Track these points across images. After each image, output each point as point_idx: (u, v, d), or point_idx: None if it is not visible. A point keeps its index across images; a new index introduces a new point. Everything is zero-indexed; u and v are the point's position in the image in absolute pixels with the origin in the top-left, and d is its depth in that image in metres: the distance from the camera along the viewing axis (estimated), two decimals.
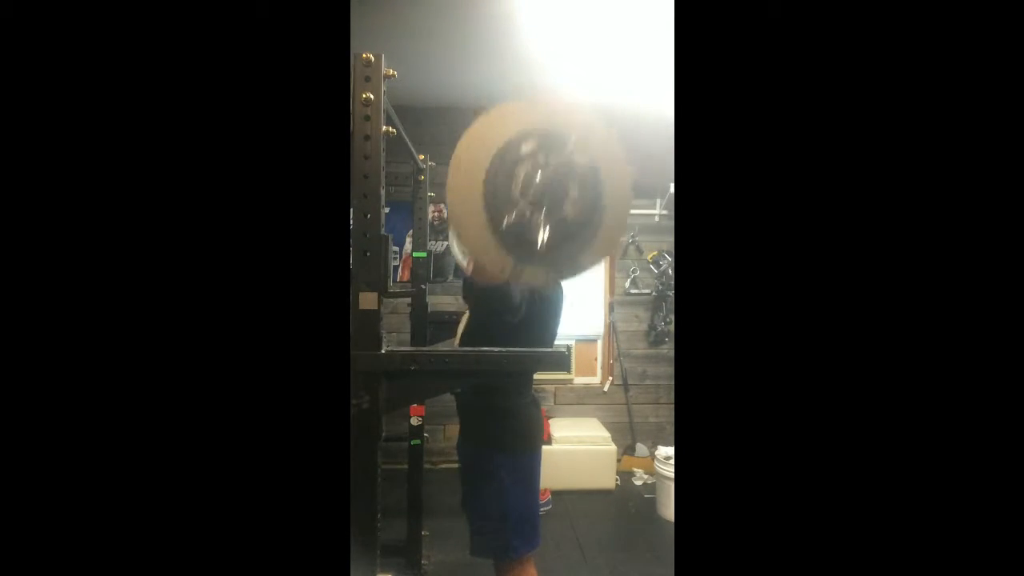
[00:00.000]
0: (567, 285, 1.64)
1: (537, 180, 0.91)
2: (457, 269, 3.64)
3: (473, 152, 0.95)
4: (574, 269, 0.99)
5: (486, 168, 0.94)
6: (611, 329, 3.83)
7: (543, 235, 0.91)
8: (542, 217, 0.91)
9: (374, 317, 0.99)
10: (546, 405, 3.79)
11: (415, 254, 2.20)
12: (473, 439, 1.59)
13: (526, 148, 0.93)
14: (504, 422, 1.54)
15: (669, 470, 2.97)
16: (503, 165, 0.93)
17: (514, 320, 1.41)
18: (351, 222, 0.96)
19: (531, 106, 0.97)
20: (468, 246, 0.97)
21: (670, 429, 3.79)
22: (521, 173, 0.92)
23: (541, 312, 1.51)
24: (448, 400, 1.65)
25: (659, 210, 3.76)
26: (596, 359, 3.93)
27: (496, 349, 1.02)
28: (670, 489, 2.95)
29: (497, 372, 1.01)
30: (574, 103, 0.97)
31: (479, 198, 0.94)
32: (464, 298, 1.59)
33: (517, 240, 0.93)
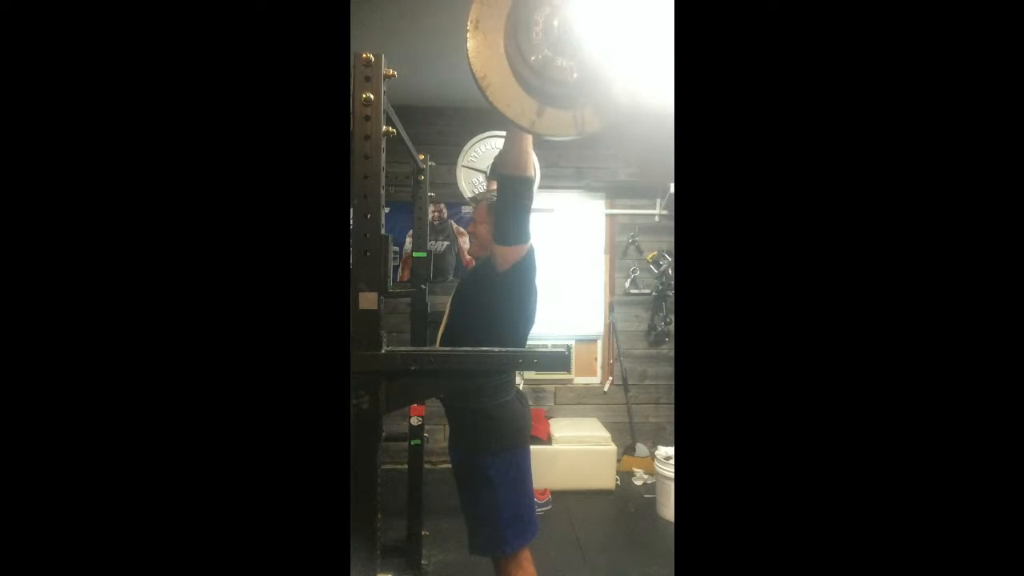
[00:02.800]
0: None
1: (556, 23, 0.92)
2: (459, 265, 3.65)
3: (490, 8, 0.96)
4: (600, 114, 0.99)
5: (504, 21, 0.95)
6: (611, 329, 3.83)
7: (569, 73, 0.92)
8: (565, 59, 0.92)
9: (374, 317, 0.99)
10: (546, 405, 3.79)
11: (415, 254, 2.20)
12: (461, 441, 1.62)
13: None
14: (488, 422, 1.56)
15: (669, 470, 2.97)
16: (521, 14, 0.94)
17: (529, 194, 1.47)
18: (351, 222, 0.96)
19: None
20: (493, 98, 0.97)
21: (670, 429, 3.79)
22: (540, 20, 0.94)
23: (523, 284, 1.56)
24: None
25: (659, 210, 3.76)
26: (596, 359, 3.92)
27: (496, 349, 1.02)
28: (670, 489, 2.95)
29: (491, 371, 1.01)
30: None
31: (500, 50, 0.95)
32: (489, 178, 1.65)
33: (542, 82, 0.95)
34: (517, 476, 1.59)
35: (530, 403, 4.08)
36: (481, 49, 0.96)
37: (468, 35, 0.95)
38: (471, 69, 0.96)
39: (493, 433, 1.56)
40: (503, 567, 1.58)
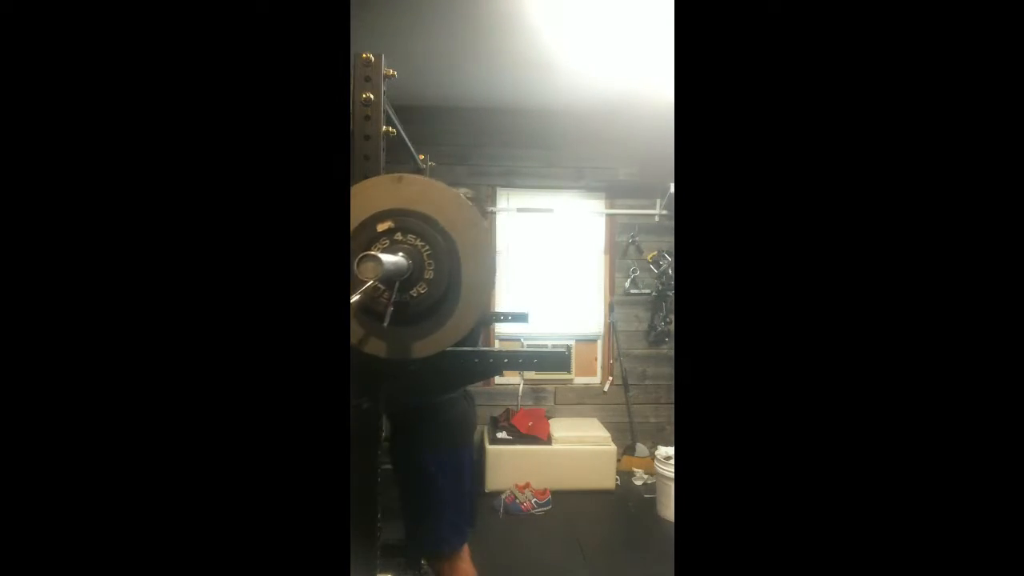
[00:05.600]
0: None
1: (389, 259, 0.90)
2: None
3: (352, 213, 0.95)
4: (415, 351, 0.98)
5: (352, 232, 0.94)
6: (611, 329, 3.83)
7: (388, 313, 0.91)
8: (393, 296, 0.91)
9: None
10: (546, 405, 3.79)
11: None
12: (404, 439, 1.61)
13: (382, 227, 0.93)
14: (433, 418, 1.57)
15: (669, 470, 2.97)
16: (358, 241, 0.94)
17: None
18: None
19: (394, 184, 0.97)
20: None
21: (670, 429, 3.79)
22: (380, 248, 0.93)
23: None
24: None
25: (659, 210, 3.76)
26: (596, 359, 3.93)
27: (496, 349, 1.03)
28: (670, 489, 2.95)
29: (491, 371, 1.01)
30: (439, 184, 0.97)
31: None
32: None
33: (365, 312, 0.94)
34: (456, 473, 1.59)
35: (530, 403, 4.07)
36: None
37: None
38: None
39: (436, 429, 1.57)
40: (444, 567, 1.58)
